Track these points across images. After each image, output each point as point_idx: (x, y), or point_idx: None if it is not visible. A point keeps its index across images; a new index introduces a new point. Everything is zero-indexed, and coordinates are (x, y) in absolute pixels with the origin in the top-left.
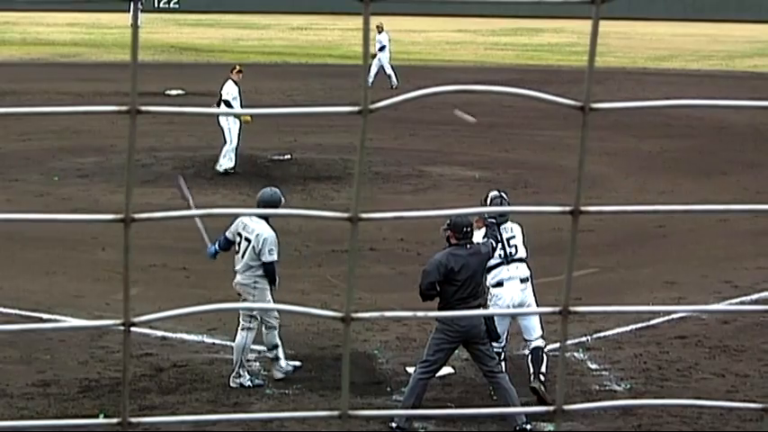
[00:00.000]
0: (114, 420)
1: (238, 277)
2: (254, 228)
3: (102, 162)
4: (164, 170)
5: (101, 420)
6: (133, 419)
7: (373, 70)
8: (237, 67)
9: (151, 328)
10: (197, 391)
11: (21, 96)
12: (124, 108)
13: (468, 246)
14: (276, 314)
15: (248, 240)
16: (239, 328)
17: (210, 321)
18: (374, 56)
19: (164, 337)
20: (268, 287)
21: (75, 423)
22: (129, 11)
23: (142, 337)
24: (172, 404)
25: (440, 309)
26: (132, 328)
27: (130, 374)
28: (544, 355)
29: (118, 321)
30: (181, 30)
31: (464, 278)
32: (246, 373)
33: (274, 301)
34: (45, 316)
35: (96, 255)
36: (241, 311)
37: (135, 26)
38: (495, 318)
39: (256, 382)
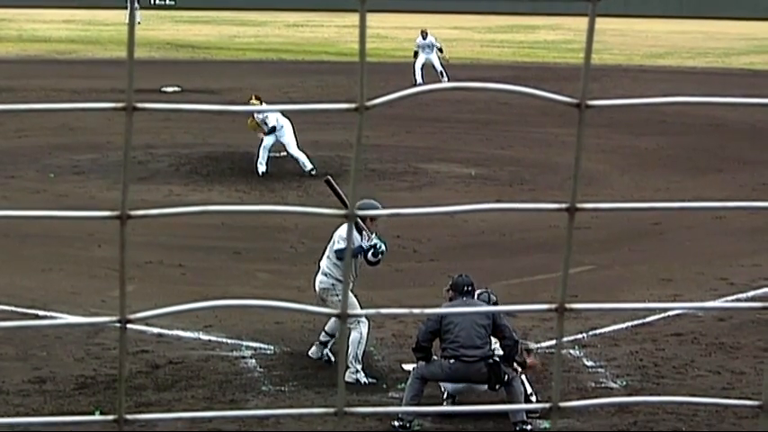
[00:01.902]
0: (110, 417)
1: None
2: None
3: (98, 159)
4: (160, 167)
5: (97, 417)
6: (129, 416)
7: (419, 67)
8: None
9: (147, 325)
10: (193, 387)
11: (17, 93)
12: (120, 105)
13: (466, 299)
14: (359, 320)
15: None
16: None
17: (206, 318)
18: (416, 54)
19: (160, 334)
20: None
21: (70, 420)
22: (126, 7)
23: (138, 334)
24: (168, 401)
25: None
26: (128, 325)
27: (126, 371)
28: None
29: (114, 318)
30: (177, 27)
31: (461, 326)
32: (361, 369)
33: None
34: (41, 313)
35: (92, 252)
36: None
37: (131, 23)
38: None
39: (370, 379)
